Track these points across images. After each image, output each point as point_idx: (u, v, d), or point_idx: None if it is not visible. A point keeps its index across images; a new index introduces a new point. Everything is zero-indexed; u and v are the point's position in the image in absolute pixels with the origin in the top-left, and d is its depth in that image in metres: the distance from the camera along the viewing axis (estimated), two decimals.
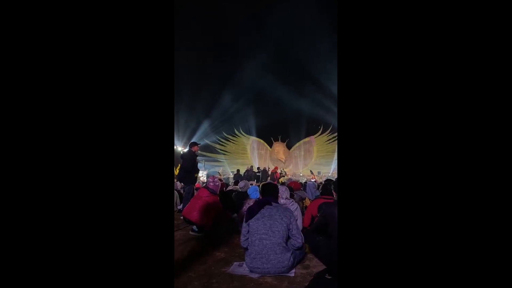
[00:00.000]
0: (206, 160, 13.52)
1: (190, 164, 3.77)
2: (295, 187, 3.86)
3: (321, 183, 5.17)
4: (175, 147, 11.26)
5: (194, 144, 3.96)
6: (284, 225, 1.66)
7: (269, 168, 11.36)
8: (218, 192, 3.01)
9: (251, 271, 1.62)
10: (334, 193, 2.28)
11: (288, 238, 1.71)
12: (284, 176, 10.02)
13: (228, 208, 3.19)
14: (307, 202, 3.54)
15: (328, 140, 14.68)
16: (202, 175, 10.75)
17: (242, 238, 1.76)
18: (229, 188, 4.86)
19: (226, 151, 15.47)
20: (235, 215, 3.14)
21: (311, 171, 11.71)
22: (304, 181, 8.44)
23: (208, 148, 14.89)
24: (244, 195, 3.35)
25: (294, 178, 10.32)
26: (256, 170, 10.68)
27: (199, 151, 4.03)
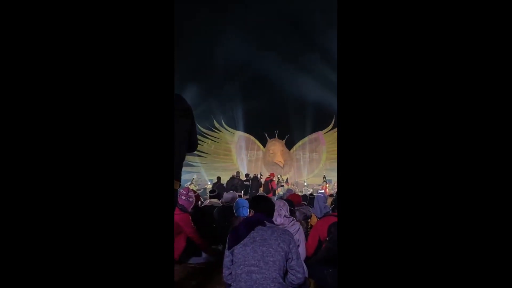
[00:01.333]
0: None
1: None
2: (296, 201, 3.89)
3: (331, 195, 5.24)
4: None
5: None
6: (282, 253, 1.65)
7: (262, 175, 11.42)
8: (190, 210, 2.99)
9: None
10: None
11: (287, 270, 1.72)
12: (282, 186, 10.10)
13: (206, 232, 3.17)
14: (314, 220, 3.58)
15: None
16: None
17: (225, 272, 1.75)
18: (207, 203, 4.84)
19: (202, 152, 15.40)
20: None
21: (324, 177, 11.80)
22: (309, 192, 8.54)
23: None
24: (231, 212, 3.35)
25: (295, 189, 10.42)
26: (244, 178, 10.71)
27: None
